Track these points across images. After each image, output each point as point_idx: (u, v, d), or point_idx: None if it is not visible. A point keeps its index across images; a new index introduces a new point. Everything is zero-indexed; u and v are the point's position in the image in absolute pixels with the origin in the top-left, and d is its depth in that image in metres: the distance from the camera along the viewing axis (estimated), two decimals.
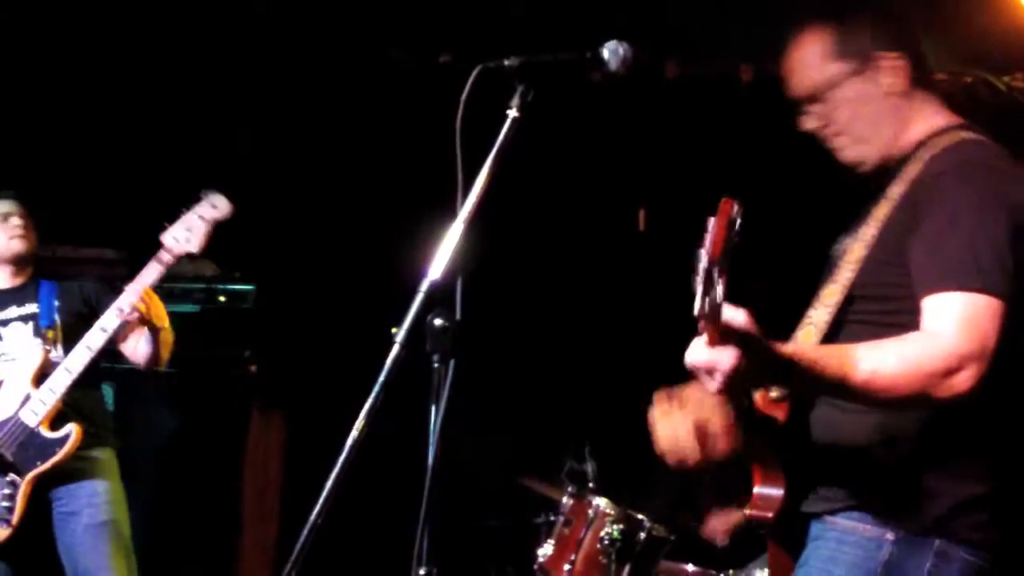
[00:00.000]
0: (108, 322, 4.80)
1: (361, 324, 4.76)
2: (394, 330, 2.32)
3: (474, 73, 2.50)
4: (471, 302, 2.39)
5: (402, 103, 6.12)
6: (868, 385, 2.31)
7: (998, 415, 2.50)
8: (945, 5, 4.83)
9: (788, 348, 2.33)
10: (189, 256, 5.21)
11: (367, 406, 2.28)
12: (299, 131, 6.42)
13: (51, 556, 4.88)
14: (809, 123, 2.77)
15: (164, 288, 5.55)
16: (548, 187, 6.33)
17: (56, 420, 4.80)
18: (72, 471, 4.85)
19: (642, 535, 4.94)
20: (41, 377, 4.84)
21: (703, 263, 2.07)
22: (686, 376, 2.40)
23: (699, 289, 2.09)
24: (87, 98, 6.03)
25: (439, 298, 2.35)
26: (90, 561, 4.85)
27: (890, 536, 2.48)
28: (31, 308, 5.03)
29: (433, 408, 2.31)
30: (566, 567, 4.95)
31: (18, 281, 5.10)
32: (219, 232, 6.31)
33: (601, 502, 5.00)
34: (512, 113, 2.51)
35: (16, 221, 5.07)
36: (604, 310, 6.41)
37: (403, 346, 2.31)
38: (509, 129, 2.50)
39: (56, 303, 5.04)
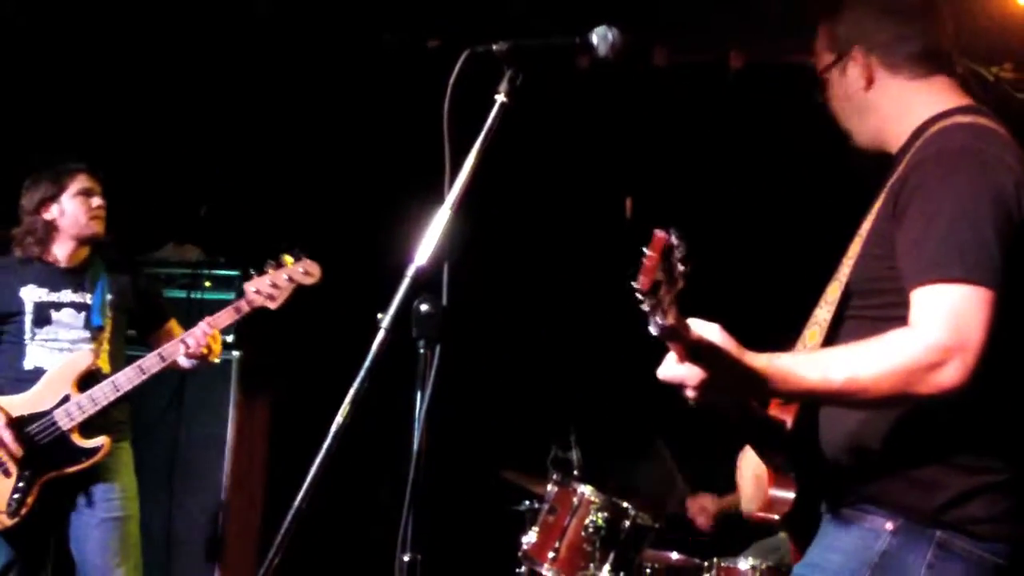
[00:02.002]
0: (169, 351, 4.79)
1: (347, 309, 4.75)
2: (380, 315, 2.31)
3: (462, 57, 2.49)
4: (457, 288, 2.38)
5: (391, 87, 6.10)
6: (848, 388, 2.29)
7: (1003, 404, 2.46)
8: None
9: (760, 361, 2.30)
10: (175, 243, 5.21)
11: (352, 392, 2.27)
12: (287, 115, 6.40)
13: (60, 544, 4.89)
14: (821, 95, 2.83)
15: (149, 274, 5.53)
16: (535, 173, 6.33)
17: (87, 424, 4.78)
18: (93, 468, 4.84)
19: (627, 523, 4.95)
20: (84, 380, 4.80)
21: (637, 293, 2.08)
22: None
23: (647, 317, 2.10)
24: (70, 82, 6.01)
25: (425, 284, 2.34)
26: (99, 556, 4.85)
27: (889, 526, 2.45)
28: (86, 298, 4.92)
29: (418, 394, 2.30)
30: (550, 554, 4.95)
31: (76, 262, 4.97)
32: (205, 216, 6.31)
33: (586, 490, 5.01)
34: (500, 98, 2.50)
35: (98, 201, 4.96)
36: (590, 297, 6.40)
37: (389, 331, 2.30)
38: (497, 114, 2.49)
39: (108, 297, 4.95)
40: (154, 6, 5.79)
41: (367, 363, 2.28)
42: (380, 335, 2.30)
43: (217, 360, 5.08)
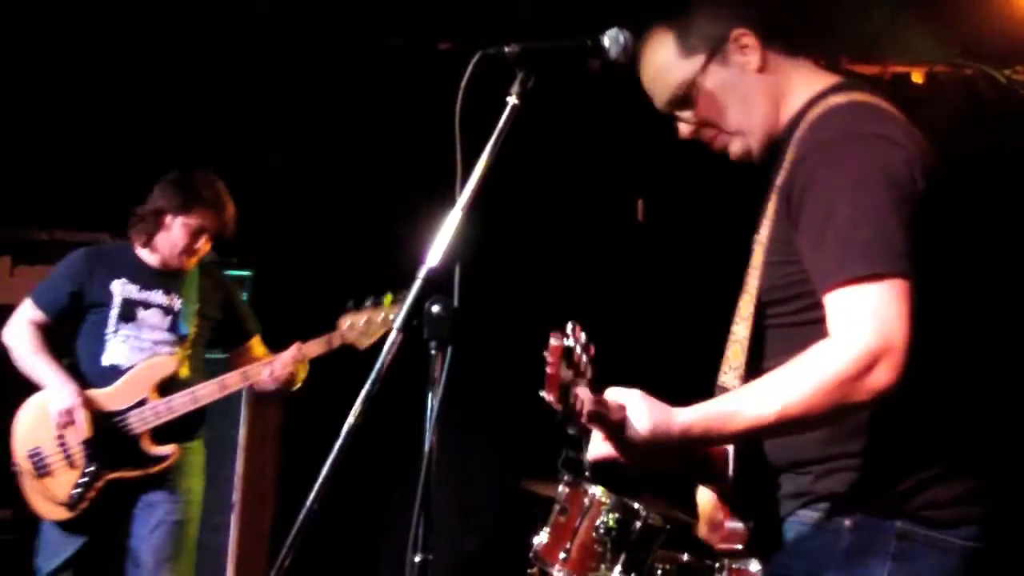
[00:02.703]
0: (254, 372, 4.82)
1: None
2: (391, 316, 2.32)
3: (474, 60, 2.49)
4: (469, 289, 2.38)
5: (402, 90, 6.11)
6: (784, 418, 2.22)
7: (944, 387, 2.40)
8: None
9: (687, 419, 2.27)
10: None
11: (363, 392, 2.28)
12: (299, 117, 6.41)
13: (121, 541, 4.92)
14: (684, 131, 2.70)
15: (237, 290, 5.52)
16: (547, 175, 6.33)
17: (159, 430, 4.82)
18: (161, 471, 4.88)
19: (638, 524, 4.95)
20: (163, 386, 4.83)
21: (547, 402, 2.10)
22: (683, 364, 2.40)
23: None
24: (78, 83, 6.03)
25: (437, 285, 2.34)
26: (153, 557, 4.86)
27: (848, 523, 2.39)
28: (175, 302, 4.95)
29: (430, 395, 2.31)
30: (561, 555, 4.95)
31: (171, 267, 5.01)
32: None
33: (597, 491, 5.01)
34: (512, 100, 2.50)
35: (202, 244, 4.95)
36: (602, 299, 6.40)
37: (400, 332, 2.31)
38: (508, 116, 2.48)
39: (196, 307, 4.97)
40: (155, 6, 5.80)
41: (379, 364, 2.28)
42: (392, 336, 2.31)
43: (298, 386, 5.05)
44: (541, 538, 5.08)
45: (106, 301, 4.86)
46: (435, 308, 2.32)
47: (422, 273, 2.35)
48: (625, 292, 6.49)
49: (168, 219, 4.90)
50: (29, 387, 4.86)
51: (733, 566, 4.79)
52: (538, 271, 6.50)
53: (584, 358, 2.11)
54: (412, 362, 2.36)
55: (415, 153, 5.61)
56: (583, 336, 2.11)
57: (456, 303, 2.35)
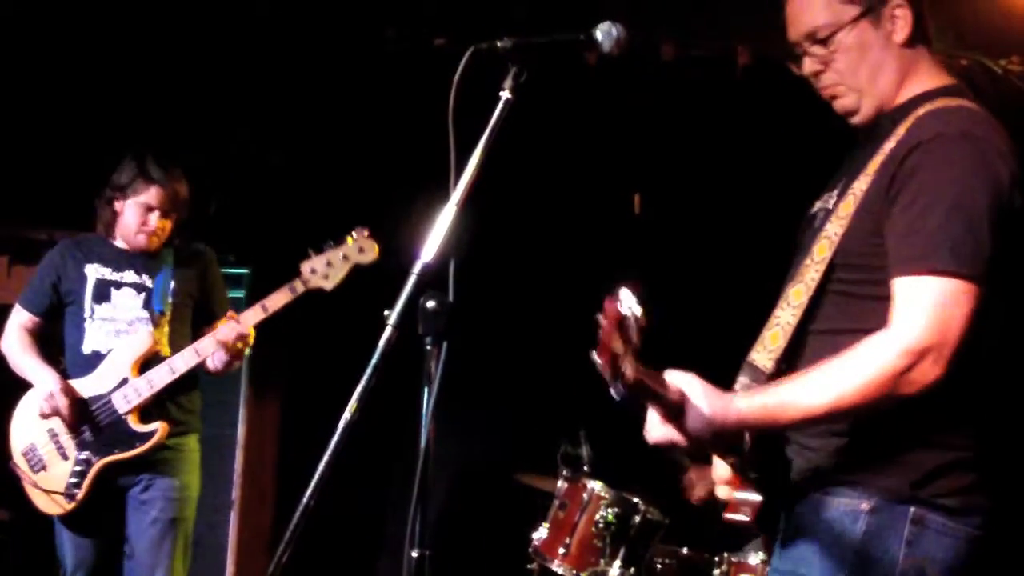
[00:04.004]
0: (222, 334, 4.76)
1: (354, 306, 4.75)
2: (387, 312, 2.32)
3: (467, 54, 2.49)
4: (464, 285, 2.38)
5: (397, 85, 6.10)
6: (837, 409, 2.32)
7: (974, 386, 2.45)
8: None
9: (741, 409, 2.33)
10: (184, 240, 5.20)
11: (359, 388, 2.28)
12: (293, 113, 6.41)
13: (116, 532, 4.87)
14: (807, 66, 2.68)
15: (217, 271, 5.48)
16: (542, 170, 6.32)
17: (146, 410, 4.80)
18: (155, 461, 4.85)
19: (637, 518, 4.95)
20: (143, 364, 4.81)
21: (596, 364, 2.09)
22: (680, 359, 2.40)
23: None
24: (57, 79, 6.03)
25: (432, 280, 2.34)
26: (149, 553, 4.84)
27: (865, 506, 2.44)
28: (147, 281, 4.92)
29: (425, 390, 2.31)
30: (561, 550, 4.96)
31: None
32: (214, 214, 6.32)
33: (596, 485, 5.01)
34: (505, 95, 2.50)
35: (156, 221, 4.91)
36: (598, 294, 6.40)
37: (396, 328, 2.31)
38: (502, 111, 2.49)
39: (172, 285, 4.95)
40: (152, 6, 5.80)
41: (374, 360, 2.28)
42: (387, 332, 2.31)
43: (247, 352, 4.98)
44: (540, 533, 5.08)
45: (80, 286, 4.88)
46: (430, 303, 2.32)
47: (417, 269, 2.35)
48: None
49: (118, 204, 4.93)
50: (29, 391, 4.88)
51: (733, 559, 4.80)
52: (533, 266, 6.50)
53: (636, 331, 2.10)
54: (408, 357, 2.36)
55: (410, 149, 5.61)
56: (637, 304, 2.11)
57: (451, 298, 2.35)
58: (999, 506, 2.50)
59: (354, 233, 4.77)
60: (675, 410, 2.29)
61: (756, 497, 2.54)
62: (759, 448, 2.50)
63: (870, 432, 2.44)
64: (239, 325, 4.76)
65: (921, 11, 2.65)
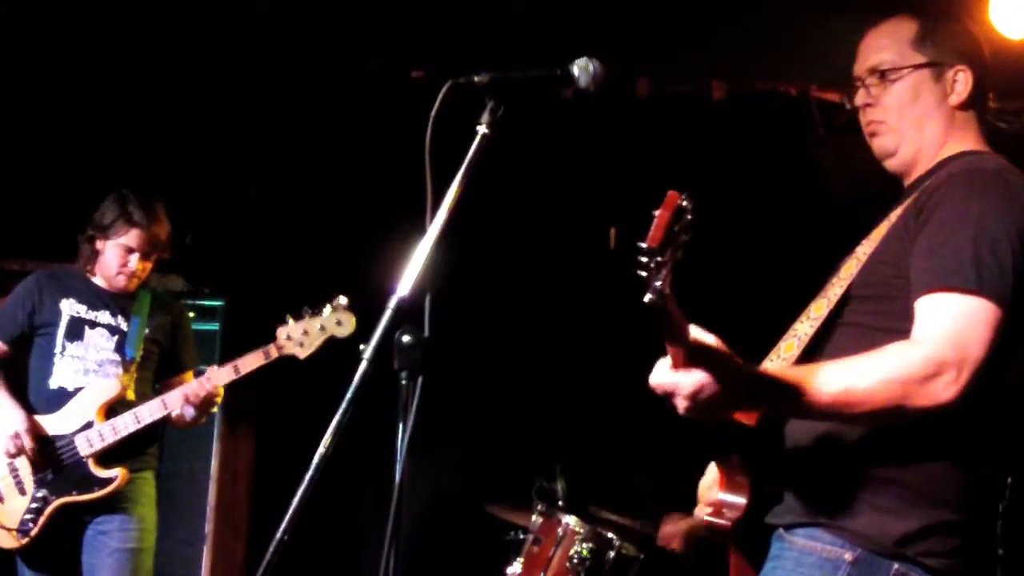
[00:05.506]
0: (191, 389, 4.74)
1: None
2: (362, 346, 2.31)
3: (444, 89, 2.50)
4: (439, 319, 2.38)
5: (374, 117, 6.11)
6: (843, 399, 2.27)
7: (979, 436, 2.44)
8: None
9: (755, 369, 2.31)
10: (159, 273, 5.18)
11: (334, 422, 2.27)
12: (270, 145, 6.41)
13: (74, 565, 4.82)
14: (859, 97, 2.74)
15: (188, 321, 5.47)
16: (519, 204, 6.33)
17: (108, 454, 4.77)
18: (111, 500, 4.81)
19: (611, 554, 4.94)
20: (110, 409, 4.79)
21: (643, 251, 2.01)
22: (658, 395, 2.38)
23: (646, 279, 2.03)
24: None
25: (407, 315, 2.34)
26: None
27: (848, 556, 2.41)
28: (122, 324, 4.91)
29: (400, 425, 2.30)
30: None
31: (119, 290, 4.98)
32: (189, 245, 6.30)
33: (571, 520, 5.00)
34: (482, 129, 2.51)
35: (135, 264, 4.90)
36: (574, 328, 6.40)
37: (371, 363, 2.30)
38: (479, 145, 2.49)
39: (146, 332, 4.94)
40: (133, 39, 5.79)
41: (349, 394, 2.28)
42: (362, 366, 2.30)
43: (214, 410, 5.01)
44: (515, 568, 5.07)
45: (54, 320, 4.86)
46: (405, 338, 2.31)
47: (392, 303, 2.34)
48: (597, 320, 6.49)
49: (99, 243, 4.92)
50: None
51: None
52: (509, 300, 6.50)
53: (684, 235, 2.05)
54: (383, 390, 2.35)
55: (386, 182, 5.60)
56: (692, 210, 2.06)
57: (426, 333, 2.35)
58: (981, 570, 2.47)
59: (333, 302, 4.76)
60: (689, 352, 2.19)
61: (741, 500, 2.52)
62: (758, 448, 2.50)
63: (866, 472, 2.42)
64: (208, 383, 4.76)
65: (983, 80, 2.71)
